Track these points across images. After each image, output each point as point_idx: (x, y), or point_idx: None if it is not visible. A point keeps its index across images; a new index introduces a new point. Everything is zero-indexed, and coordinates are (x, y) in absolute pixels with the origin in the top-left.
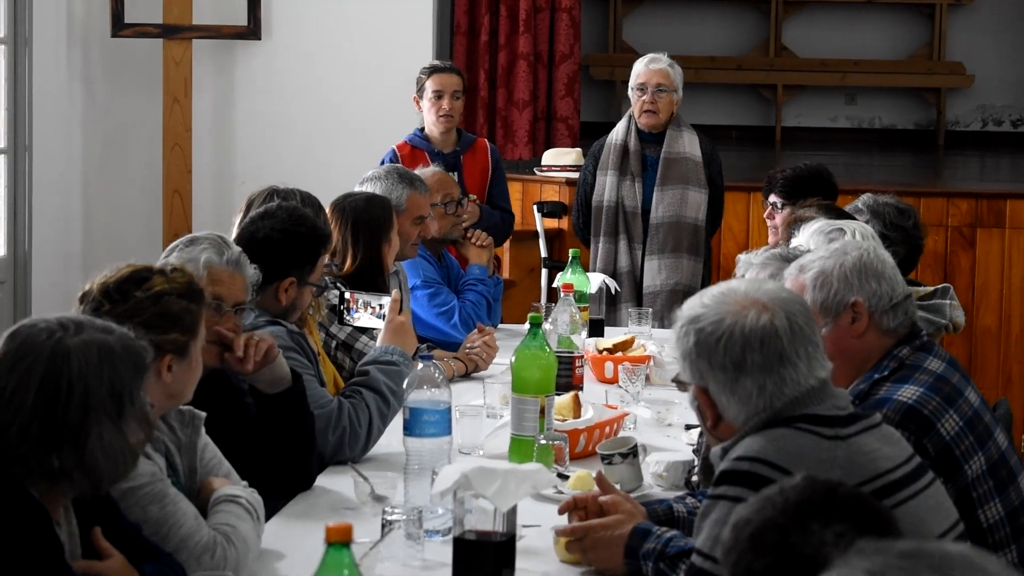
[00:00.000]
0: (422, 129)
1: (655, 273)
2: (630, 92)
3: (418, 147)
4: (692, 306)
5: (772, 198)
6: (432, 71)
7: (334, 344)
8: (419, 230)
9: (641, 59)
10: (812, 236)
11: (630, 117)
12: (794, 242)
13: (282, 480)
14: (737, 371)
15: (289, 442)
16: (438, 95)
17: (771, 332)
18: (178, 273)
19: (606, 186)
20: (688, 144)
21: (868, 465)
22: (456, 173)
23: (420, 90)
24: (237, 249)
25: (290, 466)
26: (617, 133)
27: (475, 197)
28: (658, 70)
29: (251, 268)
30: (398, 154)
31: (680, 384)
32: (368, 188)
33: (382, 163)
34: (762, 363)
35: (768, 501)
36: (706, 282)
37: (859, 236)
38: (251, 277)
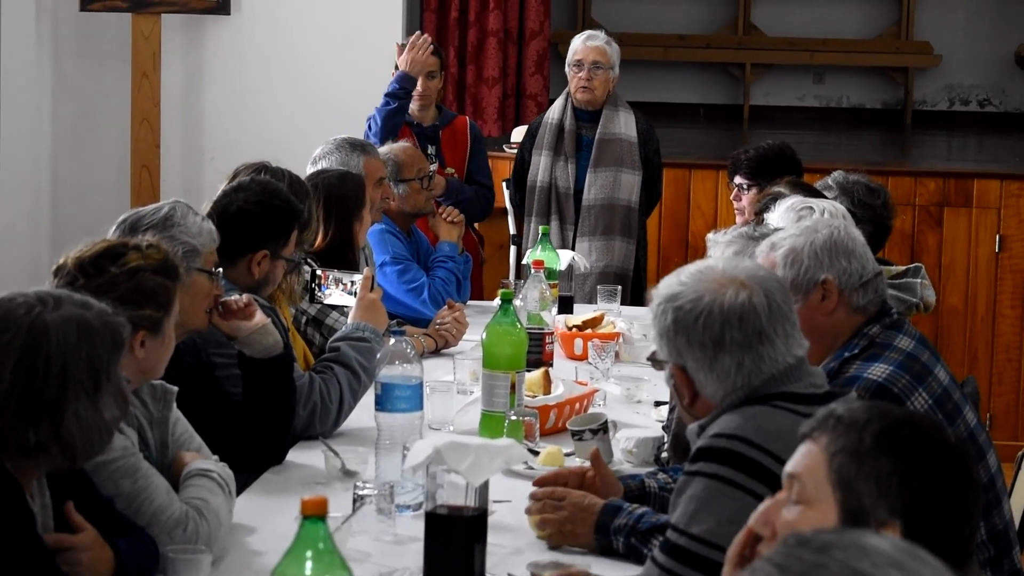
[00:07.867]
0: None
1: (586, 255)
2: (567, 69)
3: None
4: (670, 284)
5: (738, 179)
6: None
7: (304, 320)
8: (381, 192)
9: (578, 36)
10: (783, 214)
11: (567, 95)
12: (768, 218)
13: (256, 453)
14: (716, 348)
15: (271, 411)
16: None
17: (750, 309)
18: (153, 249)
19: (540, 166)
20: (624, 124)
21: None
22: (435, 146)
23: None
24: None
25: (267, 438)
26: (554, 111)
27: (452, 170)
28: (595, 47)
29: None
30: None
31: (656, 363)
32: (323, 165)
33: (368, 127)
34: (741, 340)
35: (880, 408)
36: (639, 264)
37: (828, 215)
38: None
